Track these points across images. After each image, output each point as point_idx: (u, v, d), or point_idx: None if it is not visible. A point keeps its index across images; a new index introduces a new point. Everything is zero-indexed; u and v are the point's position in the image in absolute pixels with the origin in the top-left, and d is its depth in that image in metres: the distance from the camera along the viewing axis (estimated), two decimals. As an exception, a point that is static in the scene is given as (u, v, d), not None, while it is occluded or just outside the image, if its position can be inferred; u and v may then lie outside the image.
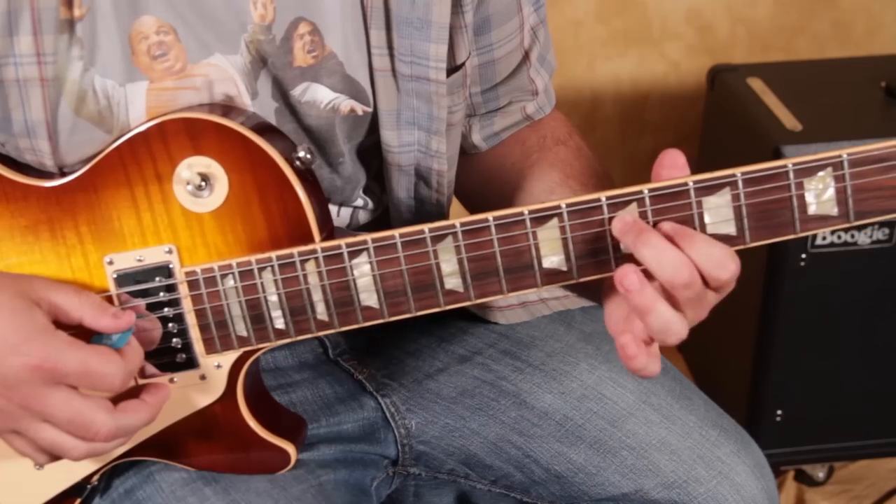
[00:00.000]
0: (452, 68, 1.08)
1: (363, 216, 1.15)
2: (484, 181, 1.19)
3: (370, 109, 1.06)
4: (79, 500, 1.03)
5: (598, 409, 1.13)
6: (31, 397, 0.90)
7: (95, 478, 1.02)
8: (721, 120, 2.10)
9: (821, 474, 2.11)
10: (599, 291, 0.97)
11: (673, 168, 0.91)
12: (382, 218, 1.15)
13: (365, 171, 1.12)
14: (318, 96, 1.04)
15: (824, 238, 1.86)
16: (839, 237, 1.87)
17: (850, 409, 2.01)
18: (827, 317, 1.94)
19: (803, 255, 1.87)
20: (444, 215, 1.13)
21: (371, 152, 1.10)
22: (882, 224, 1.86)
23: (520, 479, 1.14)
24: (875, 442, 2.06)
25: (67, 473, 1.00)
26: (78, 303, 0.92)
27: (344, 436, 1.12)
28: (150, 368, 0.98)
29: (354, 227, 1.14)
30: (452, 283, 0.93)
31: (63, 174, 0.97)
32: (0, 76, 0.94)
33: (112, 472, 1.04)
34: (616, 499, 1.11)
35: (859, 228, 1.86)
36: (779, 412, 1.99)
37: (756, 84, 2.01)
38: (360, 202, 1.14)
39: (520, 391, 1.14)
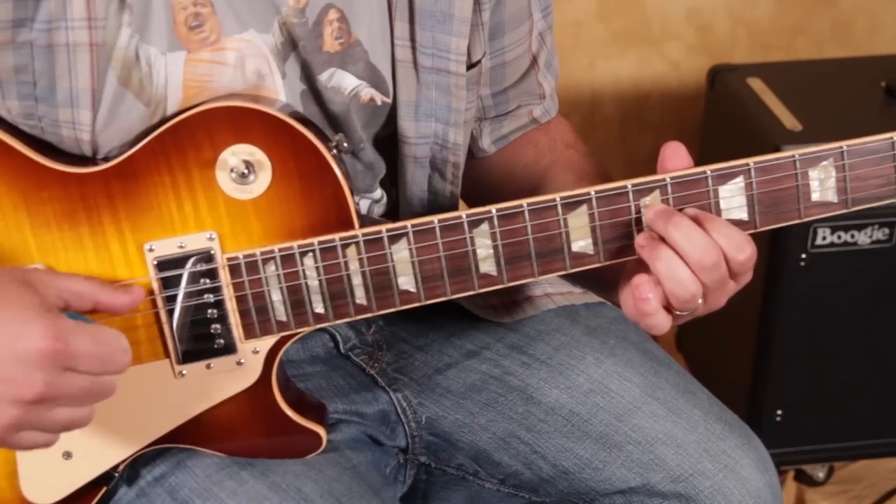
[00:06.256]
0: (469, 65, 1.09)
1: (377, 210, 1.15)
2: (495, 184, 1.20)
3: (389, 100, 1.07)
4: (104, 489, 1.02)
5: (604, 404, 1.13)
6: (49, 381, 0.85)
7: (121, 467, 1.02)
8: (721, 120, 2.11)
9: (821, 474, 2.11)
10: (609, 284, 1.00)
11: (675, 158, 0.97)
12: (391, 213, 1.16)
13: (384, 160, 1.13)
14: (344, 83, 1.05)
15: (824, 238, 1.86)
16: (839, 237, 1.87)
17: (850, 409, 2.01)
18: (827, 317, 1.94)
19: (803, 255, 1.87)
20: (455, 208, 1.13)
21: (387, 144, 1.11)
22: (882, 224, 1.86)
23: (528, 476, 1.14)
24: (875, 442, 2.06)
25: (94, 463, 1.00)
26: (90, 287, 0.92)
27: (363, 417, 1.13)
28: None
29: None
30: (487, 266, 0.97)
31: (95, 161, 0.97)
32: (51, 40, 0.94)
33: (137, 461, 1.03)
34: (623, 493, 1.11)
35: (859, 228, 1.86)
36: (779, 412, 1.99)
37: (756, 84, 2.01)
38: (377, 194, 1.14)
39: (527, 386, 1.15)
